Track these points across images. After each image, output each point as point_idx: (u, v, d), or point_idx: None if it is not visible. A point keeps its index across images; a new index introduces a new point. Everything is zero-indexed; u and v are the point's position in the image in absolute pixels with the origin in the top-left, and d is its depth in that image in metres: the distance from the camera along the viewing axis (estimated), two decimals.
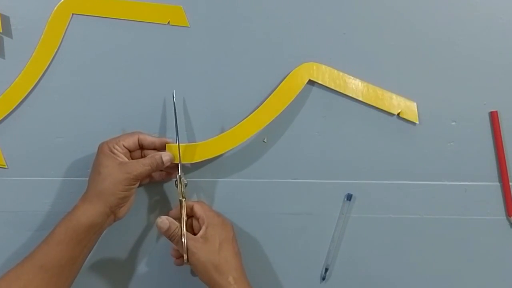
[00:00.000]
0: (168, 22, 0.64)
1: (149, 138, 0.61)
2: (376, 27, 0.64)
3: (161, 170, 0.63)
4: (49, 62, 0.64)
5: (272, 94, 0.63)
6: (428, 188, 0.65)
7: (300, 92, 0.64)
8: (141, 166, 0.59)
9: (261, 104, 0.64)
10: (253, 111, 0.64)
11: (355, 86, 0.64)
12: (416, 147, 0.65)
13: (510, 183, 0.65)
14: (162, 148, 0.62)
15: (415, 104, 0.64)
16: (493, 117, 0.64)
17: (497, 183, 0.65)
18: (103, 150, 0.59)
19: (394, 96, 0.64)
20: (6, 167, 0.65)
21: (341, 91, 0.64)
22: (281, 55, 0.64)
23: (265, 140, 0.65)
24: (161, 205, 0.66)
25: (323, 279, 0.66)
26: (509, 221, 0.65)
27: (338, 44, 0.64)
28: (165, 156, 0.60)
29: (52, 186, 0.65)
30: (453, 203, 0.66)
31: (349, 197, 0.65)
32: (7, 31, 0.63)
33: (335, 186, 0.66)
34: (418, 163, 0.65)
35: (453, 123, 0.65)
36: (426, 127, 0.65)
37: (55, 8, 0.63)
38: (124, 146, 0.60)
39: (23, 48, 0.63)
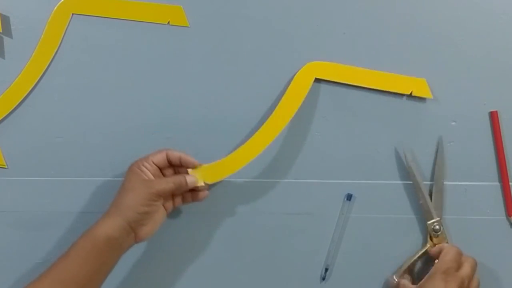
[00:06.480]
0: (168, 22, 0.64)
1: (176, 153, 0.61)
2: (376, 27, 0.64)
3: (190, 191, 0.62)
4: (49, 62, 0.64)
5: (282, 99, 0.63)
6: (428, 188, 0.65)
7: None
8: (164, 182, 0.58)
9: (261, 101, 0.64)
10: (254, 111, 0.64)
11: (363, 74, 0.63)
12: (416, 147, 0.65)
13: (510, 183, 0.65)
14: (187, 164, 0.61)
15: (425, 79, 0.64)
16: (493, 117, 0.64)
17: (497, 183, 0.65)
18: (132, 168, 0.59)
19: (403, 77, 0.64)
20: (6, 167, 0.65)
21: (350, 83, 0.63)
22: (281, 55, 0.64)
23: None
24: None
25: (323, 279, 0.66)
26: (509, 221, 0.65)
27: (338, 44, 0.64)
28: (190, 177, 0.60)
29: (52, 186, 0.65)
30: (453, 203, 0.66)
31: (349, 197, 0.65)
32: (7, 31, 0.63)
33: (335, 186, 0.66)
34: (418, 163, 0.65)
35: (453, 123, 0.65)
36: (426, 127, 0.65)
37: (55, 8, 0.63)
38: (153, 162, 0.59)
39: (23, 48, 0.63)
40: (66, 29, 0.64)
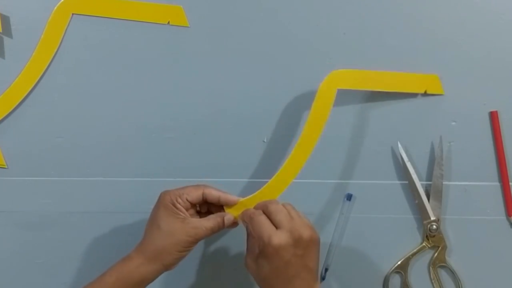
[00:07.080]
0: (168, 22, 0.64)
1: (214, 193, 0.58)
2: (374, 28, 0.64)
3: None
4: (49, 62, 0.64)
5: (309, 116, 0.60)
6: (428, 188, 0.65)
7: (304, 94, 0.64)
8: (203, 230, 0.56)
9: (261, 104, 0.64)
10: (255, 111, 0.64)
11: (380, 78, 0.63)
12: (416, 147, 0.65)
13: (510, 183, 0.65)
14: (227, 204, 0.59)
15: (437, 75, 0.64)
16: (493, 117, 0.64)
17: (497, 183, 0.65)
18: (165, 202, 0.56)
19: (416, 75, 0.63)
20: (6, 167, 0.65)
21: (370, 89, 0.63)
22: (281, 55, 0.64)
23: (265, 140, 0.65)
24: None
25: (323, 279, 0.66)
26: (509, 221, 0.65)
27: (338, 44, 0.64)
28: (228, 217, 0.58)
29: (52, 186, 0.65)
30: (453, 203, 0.66)
31: (349, 197, 0.65)
32: (7, 31, 0.63)
33: (335, 186, 0.66)
34: (418, 163, 0.65)
35: (453, 123, 0.65)
36: (426, 127, 0.65)
37: (55, 8, 0.63)
38: (187, 200, 0.57)
39: (23, 48, 0.63)
40: (66, 29, 0.64)
